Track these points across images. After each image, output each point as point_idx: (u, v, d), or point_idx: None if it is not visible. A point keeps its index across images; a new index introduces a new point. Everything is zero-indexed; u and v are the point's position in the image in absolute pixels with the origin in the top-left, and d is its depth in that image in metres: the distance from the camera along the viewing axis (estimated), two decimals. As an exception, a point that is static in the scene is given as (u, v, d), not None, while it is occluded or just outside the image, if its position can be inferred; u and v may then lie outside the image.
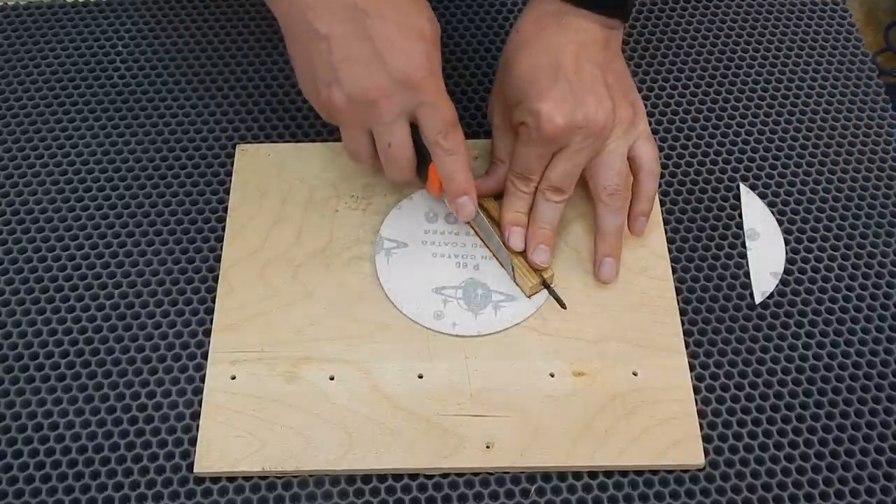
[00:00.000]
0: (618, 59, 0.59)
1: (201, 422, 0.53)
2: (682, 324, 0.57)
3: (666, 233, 0.61)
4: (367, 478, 0.52)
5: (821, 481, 0.52)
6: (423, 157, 0.55)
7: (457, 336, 0.56)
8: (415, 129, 0.54)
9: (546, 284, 0.57)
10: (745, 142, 0.66)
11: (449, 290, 0.57)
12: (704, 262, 0.60)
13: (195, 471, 0.52)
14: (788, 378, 0.56)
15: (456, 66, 0.70)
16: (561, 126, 0.53)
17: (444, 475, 0.52)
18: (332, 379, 0.54)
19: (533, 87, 0.55)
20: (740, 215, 0.62)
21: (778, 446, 0.53)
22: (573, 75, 0.55)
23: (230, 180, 0.63)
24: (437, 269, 0.58)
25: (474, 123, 0.66)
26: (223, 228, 0.61)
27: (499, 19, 0.73)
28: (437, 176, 0.55)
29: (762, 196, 0.63)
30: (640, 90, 0.60)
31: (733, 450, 0.53)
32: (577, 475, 0.52)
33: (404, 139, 0.53)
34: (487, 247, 0.59)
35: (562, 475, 0.52)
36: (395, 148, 0.54)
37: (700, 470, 0.52)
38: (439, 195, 0.57)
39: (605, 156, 0.56)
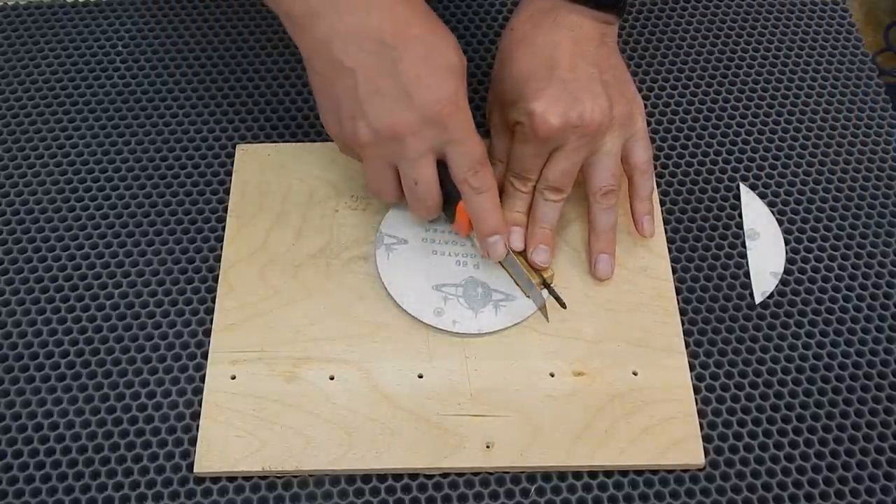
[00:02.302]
0: (614, 55, 0.58)
1: (201, 422, 0.53)
2: (682, 324, 0.57)
3: (666, 233, 0.61)
4: (367, 478, 0.52)
5: (821, 481, 0.52)
6: (449, 195, 0.54)
7: (457, 334, 0.56)
8: (442, 166, 0.53)
9: (546, 284, 0.57)
10: (745, 142, 0.66)
11: (449, 287, 0.57)
12: (704, 262, 0.60)
13: (195, 471, 0.52)
14: (788, 378, 0.56)
15: (456, 66, 0.70)
16: (555, 126, 0.53)
17: (444, 475, 0.52)
18: (332, 379, 0.54)
19: (527, 86, 0.55)
20: (740, 215, 0.62)
21: (778, 446, 0.53)
22: (568, 74, 0.55)
23: (230, 180, 0.63)
24: (437, 267, 0.58)
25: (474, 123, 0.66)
26: (223, 228, 0.61)
27: (499, 19, 0.73)
28: (466, 215, 0.54)
29: (762, 196, 0.63)
30: (639, 90, 0.60)
31: (733, 449, 0.53)
32: (578, 475, 0.52)
33: (431, 176, 0.52)
34: None
35: (562, 475, 0.52)
36: (422, 185, 0.52)
37: (700, 470, 0.52)
38: (467, 235, 0.57)
39: (600, 155, 0.56)
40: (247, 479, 0.52)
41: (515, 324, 0.56)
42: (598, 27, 0.57)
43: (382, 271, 0.57)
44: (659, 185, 0.63)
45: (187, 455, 0.52)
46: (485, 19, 0.73)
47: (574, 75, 0.55)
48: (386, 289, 0.57)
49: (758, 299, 0.59)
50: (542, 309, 0.56)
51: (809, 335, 0.57)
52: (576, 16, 0.57)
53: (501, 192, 0.58)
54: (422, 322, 0.56)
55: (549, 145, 0.55)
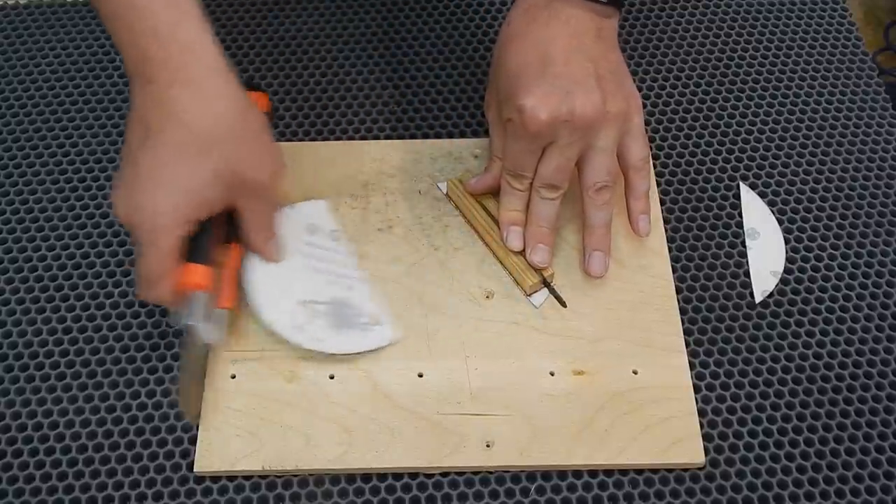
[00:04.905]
0: (612, 51, 0.57)
1: (201, 421, 0.53)
2: (682, 323, 0.57)
3: (666, 232, 0.61)
4: (367, 477, 0.52)
5: (821, 480, 0.52)
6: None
7: (317, 351, 0.54)
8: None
9: (546, 283, 0.57)
10: (745, 141, 0.66)
11: (316, 305, 0.56)
12: (704, 261, 0.60)
13: (195, 470, 0.51)
14: (788, 377, 0.56)
15: (456, 65, 0.70)
16: (545, 120, 0.53)
17: (445, 474, 0.52)
18: (331, 378, 0.54)
19: (520, 82, 0.54)
20: (740, 214, 0.62)
21: (778, 445, 0.53)
22: (562, 68, 0.54)
23: (230, 180, 0.63)
24: (308, 282, 0.57)
25: (474, 122, 0.66)
26: (223, 228, 0.61)
27: (498, 18, 0.73)
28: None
29: (762, 195, 0.63)
30: (639, 90, 0.60)
31: (733, 448, 0.53)
32: (578, 474, 0.52)
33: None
34: (483, 240, 0.59)
35: (562, 474, 0.52)
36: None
37: (700, 469, 0.52)
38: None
39: (594, 150, 0.55)
40: (247, 478, 0.52)
41: (375, 349, 0.55)
42: (594, 21, 0.56)
43: (249, 278, 0.56)
44: (659, 185, 0.63)
45: (187, 454, 0.52)
46: (485, 18, 0.73)
47: (567, 70, 0.54)
48: (248, 296, 0.56)
49: (758, 299, 0.59)
50: None
51: (809, 335, 0.57)
52: (571, 9, 0.56)
53: (500, 191, 0.58)
54: (280, 333, 0.55)
55: (540, 140, 0.54)
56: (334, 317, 0.55)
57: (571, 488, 0.52)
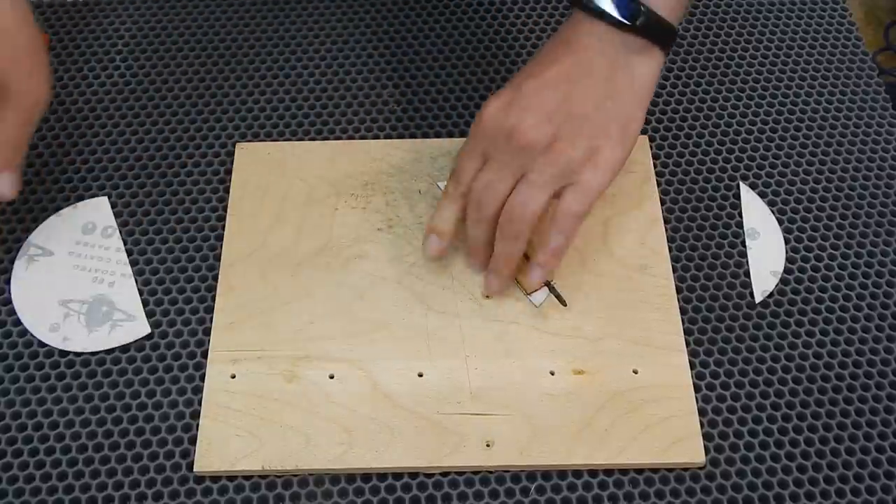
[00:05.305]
0: (614, 99, 0.52)
1: (201, 421, 0.53)
2: (683, 322, 0.57)
3: (666, 231, 0.61)
4: (367, 476, 0.52)
5: (821, 479, 0.52)
6: None
7: (69, 351, 0.55)
8: None
9: (547, 282, 0.57)
10: (745, 141, 0.66)
11: (75, 303, 0.57)
12: (704, 260, 0.60)
13: (195, 470, 0.51)
14: (788, 377, 0.56)
15: (456, 65, 0.70)
16: (490, 120, 0.51)
17: (445, 474, 0.52)
18: (331, 378, 0.54)
19: (504, 86, 0.53)
20: (740, 214, 0.62)
21: (778, 444, 0.53)
22: (536, 91, 0.51)
23: (230, 179, 0.63)
24: (71, 282, 0.58)
25: (462, 122, 0.66)
26: (223, 227, 0.61)
27: (498, 18, 0.73)
28: None
29: (762, 195, 0.63)
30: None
31: (734, 448, 0.53)
32: (578, 474, 0.52)
33: None
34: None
35: (562, 474, 0.52)
36: None
37: (701, 468, 0.52)
38: None
39: (523, 182, 0.52)
40: (247, 478, 0.52)
41: (127, 343, 0.56)
42: (616, 57, 0.52)
43: (14, 283, 0.57)
44: (659, 185, 0.63)
45: (187, 454, 0.52)
46: (485, 17, 0.73)
47: (538, 94, 0.51)
48: (12, 302, 0.57)
49: (758, 298, 0.59)
50: None
51: (809, 335, 0.57)
52: (593, 40, 0.52)
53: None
54: (37, 339, 0.56)
55: (481, 144, 0.52)
56: (88, 315, 0.56)
57: (571, 488, 0.52)
